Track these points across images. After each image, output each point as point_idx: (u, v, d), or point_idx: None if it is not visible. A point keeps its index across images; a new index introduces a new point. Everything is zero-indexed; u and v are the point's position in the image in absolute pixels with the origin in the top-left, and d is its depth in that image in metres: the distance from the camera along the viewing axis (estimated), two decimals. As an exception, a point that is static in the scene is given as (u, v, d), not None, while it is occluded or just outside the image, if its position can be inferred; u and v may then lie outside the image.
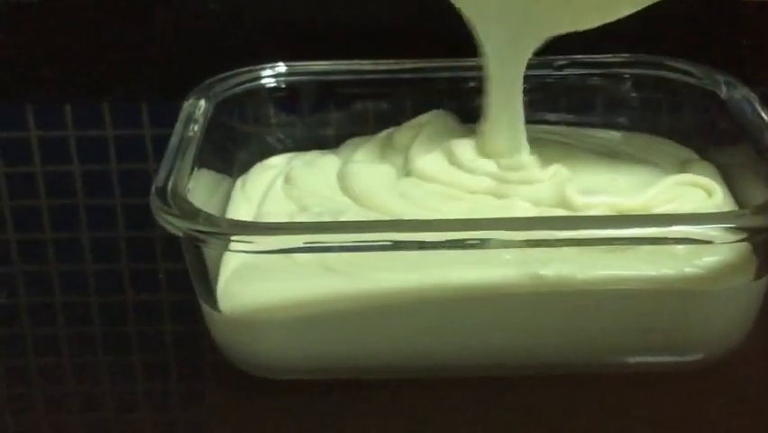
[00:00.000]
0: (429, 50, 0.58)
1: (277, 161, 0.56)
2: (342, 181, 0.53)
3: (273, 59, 0.58)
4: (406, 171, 0.53)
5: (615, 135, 0.57)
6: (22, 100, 0.70)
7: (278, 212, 0.51)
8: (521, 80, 0.52)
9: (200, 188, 0.49)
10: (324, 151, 0.57)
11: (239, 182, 0.55)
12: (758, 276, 0.46)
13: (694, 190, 0.51)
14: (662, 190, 0.50)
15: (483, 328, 0.47)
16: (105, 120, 0.67)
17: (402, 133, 0.55)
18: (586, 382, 0.47)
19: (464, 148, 0.53)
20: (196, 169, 0.49)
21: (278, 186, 0.54)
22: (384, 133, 0.56)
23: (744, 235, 0.44)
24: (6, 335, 0.53)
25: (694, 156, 0.55)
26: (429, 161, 0.52)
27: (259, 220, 0.50)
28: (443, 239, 0.44)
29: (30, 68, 0.73)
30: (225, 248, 0.45)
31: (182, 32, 0.72)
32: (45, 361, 0.51)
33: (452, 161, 0.52)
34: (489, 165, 0.52)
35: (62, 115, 0.68)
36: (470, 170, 0.52)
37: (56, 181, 0.64)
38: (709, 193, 0.51)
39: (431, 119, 0.56)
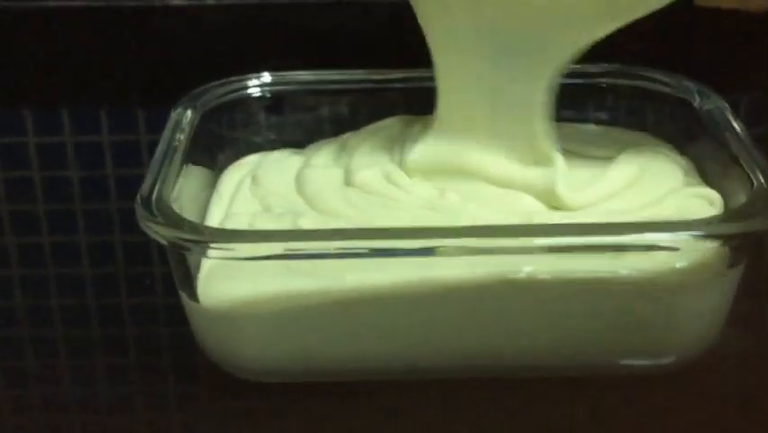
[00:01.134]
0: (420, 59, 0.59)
1: (248, 160, 0.57)
2: (298, 184, 0.53)
3: (271, 65, 0.58)
4: (347, 182, 0.53)
5: (593, 129, 0.58)
6: (21, 106, 0.71)
7: (243, 212, 0.52)
8: None
9: (185, 197, 0.50)
10: (295, 150, 0.57)
11: (218, 182, 0.55)
12: (729, 268, 0.47)
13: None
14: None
15: (459, 329, 0.47)
16: (102, 126, 0.68)
17: (355, 138, 0.56)
18: (561, 386, 0.48)
19: (400, 171, 0.52)
20: (181, 177, 0.50)
21: (246, 185, 0.54)
22: (346, 135, 0.57)
23: (715, 243, 0.45)
24: (3, 337, 0.53)
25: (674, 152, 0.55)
26: (368, 176, 0.52)
27: (227, 221, 0.51)
28: (428, 246, 0.45)
29: (28, 74, 0.73)
30: (210, 255, 0.46)
31: (180, 38, 0.72)
32: (43, 363, 0.52)
33: (390, 179, 0.52)
34: (424, 190, 0.52)
35: (60, 121, 0.69)
36: (407, 192, 0.52)
37: (53, 186, 0.64)
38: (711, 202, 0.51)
39: (385, 126, 0.56)
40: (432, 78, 0.54)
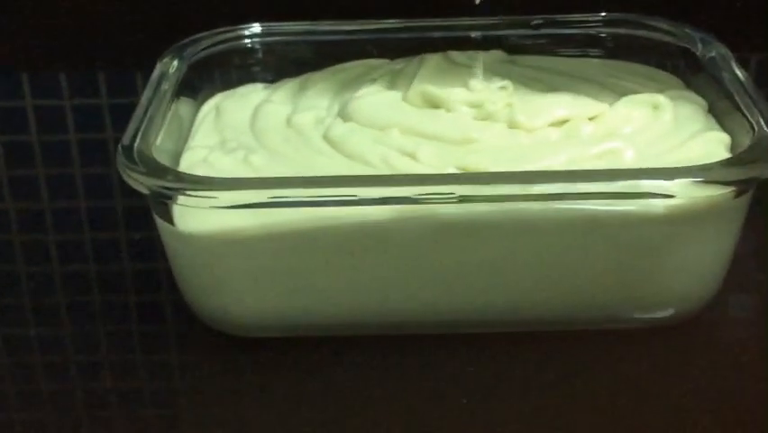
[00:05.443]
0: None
1: (221, 95, 0.56)
2: (253, 118, 0.53)
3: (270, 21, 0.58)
4: (289, 122, 0.52)
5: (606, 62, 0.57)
6: (18, 69, 0.70)
7: (201, 146, 0.51)
8: None
9: (168, 146, 0.49)
10: (267, 84, 0.57)
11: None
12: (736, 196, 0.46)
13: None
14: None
15: (452, 277, 0.47)
16: (100, 88, 0.68)
17: (314, 78, 0.56)
18: (559, 340, 0.48)
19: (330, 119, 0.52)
20: (165, 127, 0.49)
21: (210, 117, 0.54)
22: (309, 74, 0.56)
23: (715, 190, 0.45)
24: (4, 303, 0.53)
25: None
26: (301, 119, 0.52)
27: (186, 154, 0.50)
28: (401, 195, 0.44)
29: (25, 36, 0.73)
30: (193, 204, 0.45)
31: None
32: (43, 328, 0.51)
33: (318, 128, 0.51)
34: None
35: (57, 84, 0.68)
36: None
37: (52, 150, 0.64)
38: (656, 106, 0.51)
39: (345, 68, 0.56)
40: (432, 28, 0.56)
